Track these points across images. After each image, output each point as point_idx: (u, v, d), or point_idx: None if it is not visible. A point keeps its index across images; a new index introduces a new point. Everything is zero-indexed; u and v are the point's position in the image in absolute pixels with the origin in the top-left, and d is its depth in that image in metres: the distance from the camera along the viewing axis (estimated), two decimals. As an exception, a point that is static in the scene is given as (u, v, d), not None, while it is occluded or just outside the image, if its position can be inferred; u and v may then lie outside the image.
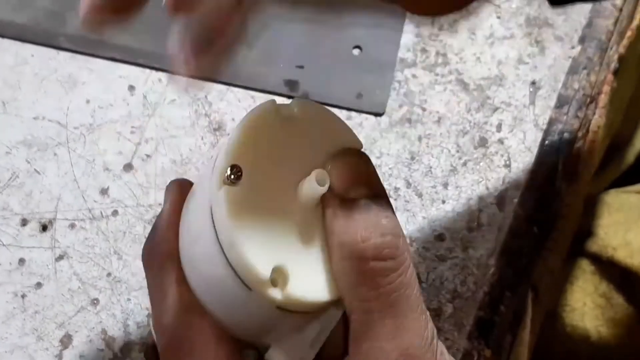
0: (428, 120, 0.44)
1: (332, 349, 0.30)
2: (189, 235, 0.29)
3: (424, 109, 0.44)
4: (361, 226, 0.26)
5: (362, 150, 0.29)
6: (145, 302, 0.39)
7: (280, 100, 0.44)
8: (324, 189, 0.27)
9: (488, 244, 0.41)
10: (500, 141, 0.43)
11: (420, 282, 0.40)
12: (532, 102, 0.44)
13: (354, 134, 0.30)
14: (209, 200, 0.28)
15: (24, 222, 0.41)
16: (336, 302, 0.28)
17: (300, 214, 0.28)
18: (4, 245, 0.40)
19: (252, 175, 0.27)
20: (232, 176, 0.26)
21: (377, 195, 0.27)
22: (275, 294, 0.26)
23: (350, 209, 0.27)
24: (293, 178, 0.28)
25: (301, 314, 0.28)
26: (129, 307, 0.39)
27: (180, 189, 0.30)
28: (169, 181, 0.30)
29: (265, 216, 0.27)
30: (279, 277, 0.26)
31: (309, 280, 0.27)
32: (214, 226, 0.27)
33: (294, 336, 0.29)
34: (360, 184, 0.27)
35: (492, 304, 0.39)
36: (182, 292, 0.28)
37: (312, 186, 0.26)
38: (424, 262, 0.40)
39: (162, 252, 0.29)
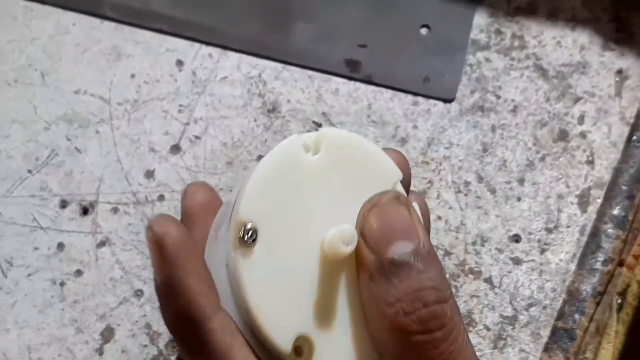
0: (502, 109, 0.40)
1: None
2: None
3: (498, 97, 0.40)
4: (403, 296, 0.23)
5: (398, 189, 0.26)
6: (193, 296, 0.36)
7: (338, 81, 0.40)
8: (350, 249, 0.23)
9: (568, 248, 0.37)
10: (583, 135, 0.39)
11: (493, 286, 0.37)
12: (618, 93, 0.40)
13: (391, 163, 0.26)
14: (225, 254, 0.25)
15: (64, 204, 0.38)
16: None
17: (325, 270, 0.24)
18: (41, 228, 0.37)
19: (269, 232, 0.24)
20: (247, 238, 0.24)
21: (419, 251, 0.23)
22: None
23: (389, 272, 0.23)
24: (318, 229, 0.24)
25: None
26: (175, 300, 0.36)
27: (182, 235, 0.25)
28: (152, 223, 0.25)
29: (286, 278, 0.24)
30: (303, 345, 0.24)
31: (336, 347, 0.24)
32: (232, 287, 0.25)
33: None
34: (399, 238, 0.23)
35: (572, 313, 0.36)
36: None
37: (337, 246, 0.23)
38: (497, 264, 0.37)
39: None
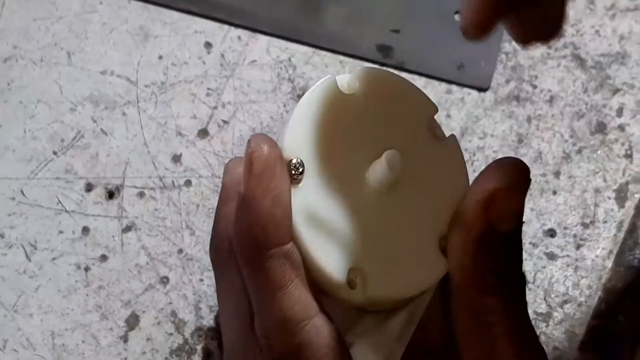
0: (539, 99, 0.39)
1: (432, 334, 0.27)
2: None
3: (534, 86, 0.39)
4: None
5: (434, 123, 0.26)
6: (220, 284, 0.36)
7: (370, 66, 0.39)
8: (395, 173, 0.23)
9: (605, 244, 0.36)
10: (621, 127, 0.38)
11: (527, 282, 0.36)
12: (660, 85, 0.39)
13: (428, 99, 0.26)
14: None
15: (89, 188, 0.37)
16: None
17: (372, 201, 0.25)
18: (66, 211, 0.37)
19: (315, 166, 0.24)
20: (294, 172, 0.24)
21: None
22: (354, 295, 0.24)
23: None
24: (362, 162, 0.25)
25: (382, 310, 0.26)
26: (202, 288, 0.36)
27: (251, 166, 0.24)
28: (251, 141, 0.24)
29: (335, 211, 0.24)
30: (356, 276, 0.24)
31: (389, 276, 0.24)
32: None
33: (378, 331, 0.26)
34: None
35: (608, 312, 0.35)
36: None
37: (383, 171, 0.24)
38: (532, 259, 0.36)
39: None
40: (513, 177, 0.24)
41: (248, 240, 0.24)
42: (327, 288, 0.24)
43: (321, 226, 0.24)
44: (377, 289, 0.24)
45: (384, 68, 0.26)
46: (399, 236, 0.25)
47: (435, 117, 0.27)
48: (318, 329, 0.24)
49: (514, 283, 0.25)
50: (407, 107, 0.26)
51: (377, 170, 0.24)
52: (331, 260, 0.24)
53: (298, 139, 0.25)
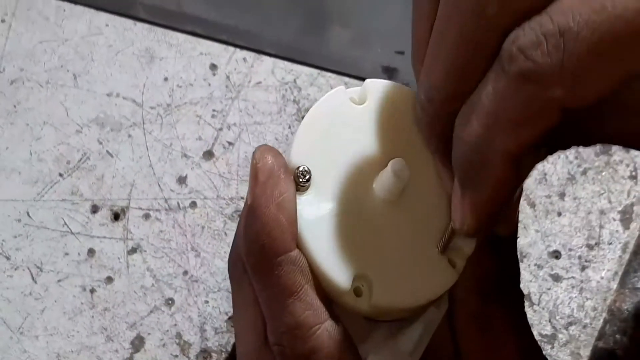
0: (543, 120, 0.39)
1: (439, 347, 0.27)
2: None
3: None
4: None
5: None
6: (225, 306, 0.36)
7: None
8: (402, 180, 0.24)
9: (610, 265, 0.36)
10: (626, 149, 0.38)
11: (532, 303, 0.36)
12: (663, 107, 0.39)
13: None
14: None
15: (95, 209, 0.37)
16: (436, 302, 0.25)
17: (379, 210, 0.25)
18: (72, 233, 0.37)
19: (322, 175, 0.25)
20: (301, 180, 0.24)
21: None
22: (360, 304, 0.24)
23: None
24: (370, 171, 0.25)
25: (394, 321, 0.26)
26: (207, 310, 0.36)
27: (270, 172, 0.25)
28: (256, 152, 0.25)
29: (341, 219, 0.24)
30: (362, 284, 0.24)
31: (395, 285, 0.24)
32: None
33: (390, 345, 0.26)
34: None
35: (613, 334, 0.35)
36: None
37: (390, 179, 0.24)
38: (537, 281, 0.36)
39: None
40: None
41: (256, 248, 0.24)
42: (333, 295, 0.25)
43: (327, 233, 0.24)
44: (383, 297, 0.24)
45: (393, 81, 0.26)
46: (406, 245, 0.25)
47: None
48: (330, 333, 0.24)
49: (513, 290, 0.25)
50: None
51: (384, 178, 0.24)
52: (336, 267, 0.24)
53: (305, 148, 0.25)
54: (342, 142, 0.25)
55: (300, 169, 0.24)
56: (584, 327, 0.35)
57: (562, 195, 0.38)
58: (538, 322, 0.35)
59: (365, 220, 0.25)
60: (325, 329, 0.24)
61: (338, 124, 0.25)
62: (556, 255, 0.37)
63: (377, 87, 0.26)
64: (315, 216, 0.24)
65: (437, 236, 0.25)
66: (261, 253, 0.24)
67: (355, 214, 0.25)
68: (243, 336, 0.27)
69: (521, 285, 0.36)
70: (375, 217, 0.25)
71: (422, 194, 0.25)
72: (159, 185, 0.38)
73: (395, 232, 0.25)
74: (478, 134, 0.20)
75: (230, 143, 0.39)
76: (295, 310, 0.24)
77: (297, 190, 0.25)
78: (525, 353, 0.26)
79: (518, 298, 0.26)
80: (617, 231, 0.37)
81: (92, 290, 0.36)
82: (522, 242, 0.37)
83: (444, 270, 0.25)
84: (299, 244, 0.24)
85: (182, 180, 0.38)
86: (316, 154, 0.25)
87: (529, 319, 0.35)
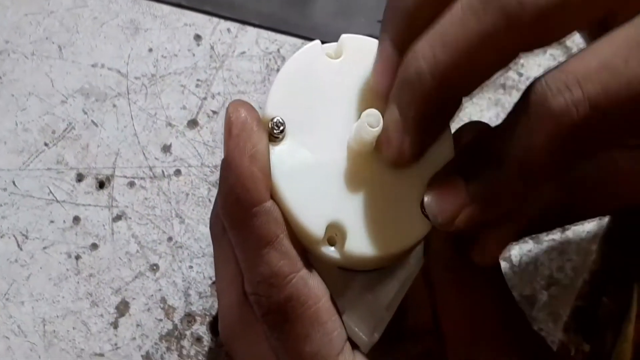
0: (525, 87, 0.39)
1: (418, 315, 0.28)
2: None
3: (520, 74, 0.40)
4: None
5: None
6: (209, 271, 0.36)
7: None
8: (376, 131, 0.24)
9: (590, 226, 0.36)
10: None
11: (512, 265, 0.36)
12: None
13: None
14: None
15: (80, 178, 0.38)
16: (412, 255, 0.26)
17: (354, 162, 0.25)
18: (57, 201, 0.37)
19: (297, 127, 0.25)
20: (275, 131, 0.24)
21: None
22: (333, 252, 0.25)
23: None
24: (345, 125, 0.25)
25: (369, 273, 0.26)
26: (191, 275, 0.36)
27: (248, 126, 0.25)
28: (230, 106, 0.25)
29: (315, 170, 0.25)
30: (336, 233, 0.25)
31: (368, 233, 0.25)
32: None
33: (366, 299, 0.26)
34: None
35: (592, 294, 0.35)
36: None
37: (364, 129, 0.24)
38: (517, 243, 0.36)
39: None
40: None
41: (230, 200, 0.24)
42: (307, 244, 0.25)
43: (301, 183, 0.25)
44: (356, 246, 0.24)
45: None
46: (381, 196, 0.25)
47: None
48: (305, 281, 0.24)
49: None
50: None
51: (358, 129, 0.24)
52: (310, 216, 0.24)
53: (280, 99, 0.25)
54: (317, 94, 0.25)
55: (275, 120, 0.25)
56: (564, 287, 0.35)
57: (542, 160, 0.38)
58: (518, 283, 0.36)
59: (340, 171, 0.25)
60: (301, 277, 0.25)
61: (313, 77, 0.26)
62: (537, 218, 0.37)
63: (353, 42, 0.26)
64: (290, 167, 0.25)
65: (412, 188, 0.25)
66: (236, 205, 0.24)
67: (329, 165, 0.25)
68: (224, 291, 0.28)
69: (502, 248, 0.36)
70: (349, 168, 0.25)
71: None
72: (144, 153, 0.38)
73: (369, 183, 0.25)
74: None
75: (214, 112, 0.39)
76: (271, 259, 0.24)
77: (272, 141, 0.25)
78: (502, 304, 0.26)
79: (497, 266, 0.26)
80: (597, 194, 0.37)
81: (78, 257, 0.36)
82: (503, 205, 0.37)
83: (419, 220, 0.25)
84: (273, 195, 0.25)
85: (166, 148, 0.38)
86: (291, 106, 0.25)
87: (509, 281, 0.36)
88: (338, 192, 0.25)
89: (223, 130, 0.25)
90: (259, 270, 0.24)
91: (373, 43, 0.27)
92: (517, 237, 0.26)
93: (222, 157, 0.25)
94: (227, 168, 0.24)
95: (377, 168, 0.25)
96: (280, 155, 0.25)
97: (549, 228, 0.28)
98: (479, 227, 0.24)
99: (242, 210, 0.24)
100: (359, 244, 0.24)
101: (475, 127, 0.26)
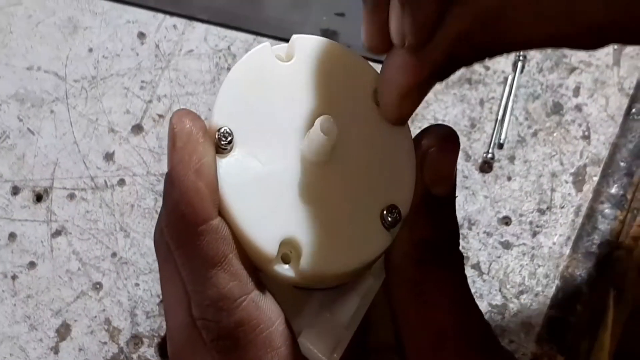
0: (492, 81, 0.37)
1: (380, 333, 0.26)
2: None
3: (486, 68, 0.37)
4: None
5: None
6: (157, 288, 0.34)
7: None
8: (331, 139, 0.22)
9: (562, 230, 0.34)
10: (578, 108, 0.37)
11: (481, 272, 0.34)
12: (617, 62, 0.37)
13: (372, 69, 0.25)
14: None
15: (15, 191, 0.35)
16: (372, 271, 0.24)
17: (308, 173, 0.23)
18: (-9, 217, 0.35)
19: (246, 136, 0.23)
20: (223, 142, 0.23)
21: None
22: (287, 271, 0.23)
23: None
24: (299, 132, 0.23)
25: (327, 290, 0.25)
26: (137, 293, 0.34)
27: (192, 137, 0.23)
28: (173, 116, 0.23)
29: (266, 183, 0.23)
30: (290, 250, 0.23)
31: (325, 249, 0.23)
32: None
33: (325, 318, 0.25)
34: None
35: (566, 301, 0.33)
36: None
37: (317, 138, 0.22)
38: (486, 249, 0.34)
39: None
40: (442, 138, 0.23)
41: (175, 218, 0.22)
42: (260, 264, 0.23)
43: (251, 198, 0.23)
44: (311, 263, 0.23)
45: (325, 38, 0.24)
46: (338, 208, 0.23)
47: None
48: (257, 303, 0.23)
49: (451, 252, 0.24)
50: (349, 76, 0.24)
51: (312, 138, 0.23)
52: (261, 233, 0.22)
53: (227, 107, 0.23)
54: (267, 101, 0.24)
55: (222, 130, 0.23)
56: (536, 295, 0.33)
57: (511, 159, 0.36)
58: (488, 291, 0.33)
59: (293, 183, 0.23)
60: (252, 300, 0.23)
61: (263, 83, 0.24)
62: (506, 221, 0.35)
63: (304, 43, 0.24)
64: (239, 180, 0.23)
65: (371, 199, 0.23)
66: (180, 223, 0.22)
67: (281, 177, 0.23)
68: (171, 312, 0.26)
69: (470, 254, 0.34)
70: (303, 180, 0.23)
71: (352, 154, 0.24)
72: (85, 163, 0.36)
73: (325, 195, 0.23)
74: None
75: (160, 116, 0.36)
76: (219, 281, 0.22)
77: (219, 153, 0.23)
78: (466, 318, 0.24)
79: (457, 262, 0.24)
80: (569, 194, 0.35)
81: (14, 277, 0.34)
82: (470, 209, 0.35)
83: (377, 234, 0.23)
84: (221, 211, 0.23)
85: (109, 157, 0.36)
86: (240, 114, 0.23)
87: (478, 289, 0.34)
88: (291, 206, 0.23)
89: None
90: (207, 293, 0.23)
91: (326, 44, 0.25)
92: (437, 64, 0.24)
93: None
94: (171, 183, 0.22)
95: (333, 179, 0.23)
96: (229, 168, 0.23)
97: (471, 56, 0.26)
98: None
99: (187, 228, 0.22)
100: (315, 260, 0.23)
101: (436, 130, 0.24)
